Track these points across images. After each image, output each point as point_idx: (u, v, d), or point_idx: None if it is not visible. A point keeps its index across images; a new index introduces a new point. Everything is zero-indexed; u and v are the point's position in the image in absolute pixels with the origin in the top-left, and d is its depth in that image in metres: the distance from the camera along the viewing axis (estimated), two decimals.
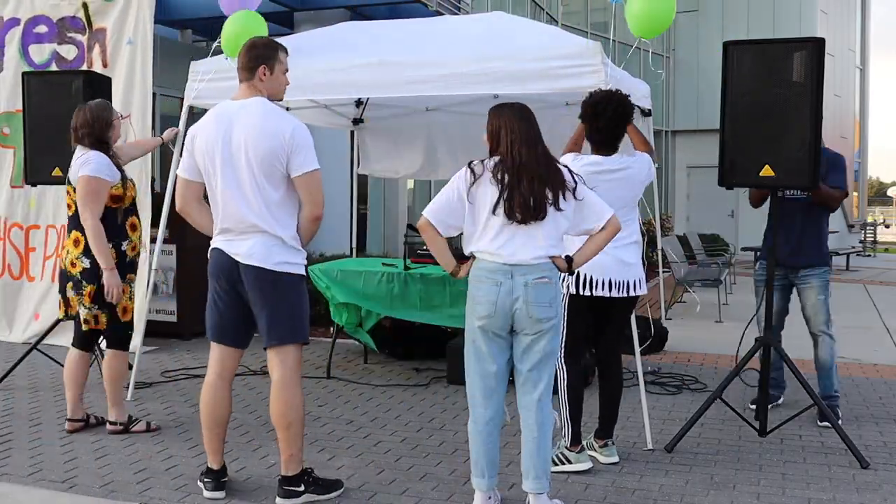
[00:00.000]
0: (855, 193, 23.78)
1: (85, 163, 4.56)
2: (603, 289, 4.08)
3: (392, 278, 5.99)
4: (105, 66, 7.17)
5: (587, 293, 4.10)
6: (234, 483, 3.97)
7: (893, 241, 28.97)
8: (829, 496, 3.88)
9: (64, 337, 7.00)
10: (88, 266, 4.56)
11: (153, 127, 7.30)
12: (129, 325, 4.77)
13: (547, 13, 16.03)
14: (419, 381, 6.09)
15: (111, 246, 4.58)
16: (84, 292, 4.59)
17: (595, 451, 4.32)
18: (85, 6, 7.27)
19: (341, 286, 6.12)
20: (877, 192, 56.06)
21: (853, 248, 18.15)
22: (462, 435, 4.77)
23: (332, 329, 6.85)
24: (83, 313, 4.62)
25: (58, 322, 5.94)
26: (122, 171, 4.71)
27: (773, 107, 4.43)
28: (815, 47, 4.37)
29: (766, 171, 4.45)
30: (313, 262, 8.49)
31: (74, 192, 4.61)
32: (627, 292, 4.12)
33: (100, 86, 5.86)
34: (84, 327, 4.65)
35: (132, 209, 4.76)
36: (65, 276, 4.67)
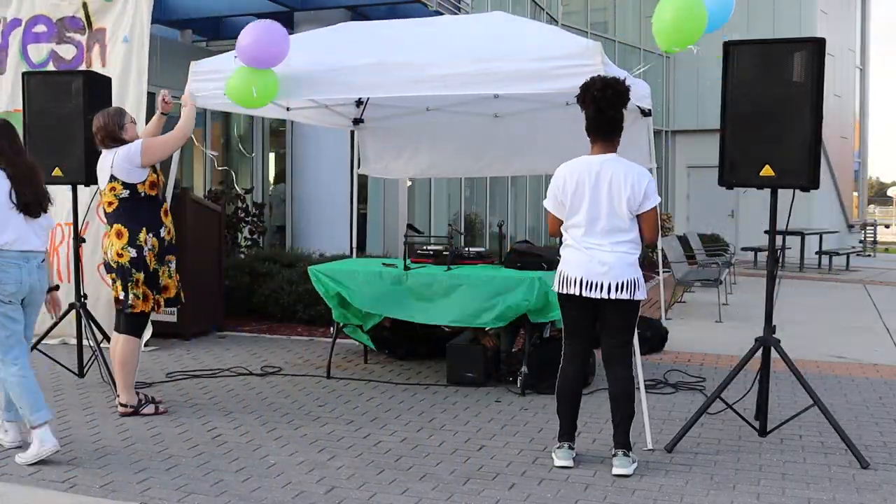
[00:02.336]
0: (855, 193, 23.79)
1: (126, 153, 4.96)
2: (575, 287, 4.09)
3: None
4: (104, 65, 7.17)
5: (565, 291, 4.14)
6: (234, 483, 3.97)
7: (893, 241, 28.99)
8: (829, 496, 3.88)
9: (62, 336, 7.02)
10: (135, 255, 4.96)
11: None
12: (147, 316, 5.12)
13: (547, 13, 16.03)
14: (419, 381, 6.09)
15: (152, 235, 5.00)
16: (134, 278, 4.98)
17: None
18: (85, 6, 7.26)
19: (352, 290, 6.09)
20: (877, 192, 56.07)
21: (853, 248, 18.15)
22: (462, 435, 4.77)
23: (332, 329, 6.85)
24: (130, 299, 4.99)
25: (64, 316, 5.94)
26: None
27: (773, 107, 4.43)
28: (815, 47, 4.37)
29: (766, 171, 4.45)
30: (313, 262, 8.50)
31: (111, 191, 4.97)
32: (603, 292, 4.05)
33: (100, 86, 5.86)
34: (129, 311, 5.01)
35: (164, 197, 5.16)
36: (109, 268, 5.05)
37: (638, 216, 4.12)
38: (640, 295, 4.13)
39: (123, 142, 5.01)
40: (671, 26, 4.60)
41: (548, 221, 4.36)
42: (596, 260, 4.07)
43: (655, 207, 4.14)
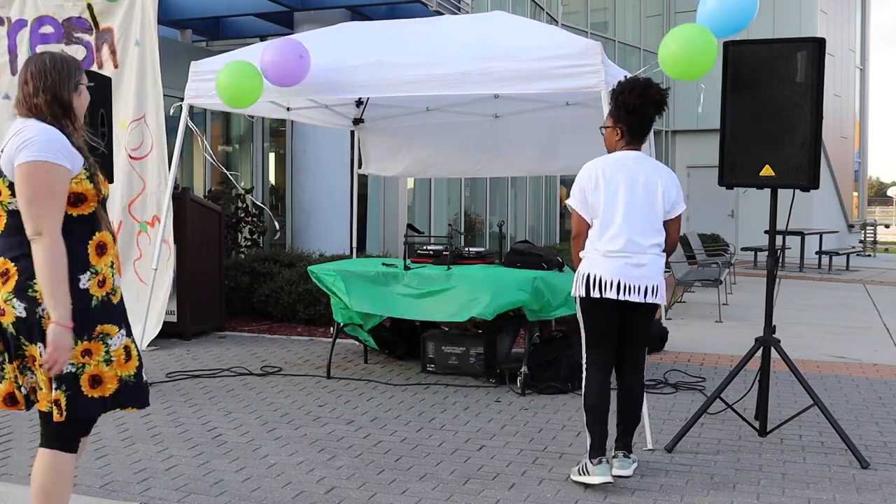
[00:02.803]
0: (855, 193, 23.79)
1: (24, 143, 2.65)
2: (611, 290, 3.85)
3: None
4: (116, 67, 7.19)
5: (597, 295, 3.88)
6: (234, 483, 3.98)
7: (893, 241, 28.99)
8: (829, 496, 3.88)
9: None
10: (24, 314, 2.66)
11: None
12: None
13: (547, 13, 16.03)
14: (419, 381, 6.10)
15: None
16: (25, 354, 2.71)
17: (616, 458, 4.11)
18: (90, 6, 7.27)
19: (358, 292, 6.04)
20: (877, 192, 56.16)
21: (853, 248, 18.15)
22: (462, 435, 4.78)
23: (332, 329, 6.85)
24: (40, 393, 2.74)
25: None
26: (85, 155, 2.79)
27: (773, 107, 4.43)
28: (816, 47, 4.37)
29: (766, 170, 4.46)
30: (313, 262, 8.50)
31: (9, 190, 2.70)
32: (639, 296, 3.87)
33: (100, 85, 5.86)
34: (46, 409, 2.74)
35: (100, 219, 2.81)
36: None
37: (666, 221, 3.97)
38: (663, 299, 4.02)
39: (65, 112, 2.79)
40: (680, 61, 4.54)
41: (573, 223, 4.04)
42: (633, 262, 3.86)
43: (681, 213, 4.03)
